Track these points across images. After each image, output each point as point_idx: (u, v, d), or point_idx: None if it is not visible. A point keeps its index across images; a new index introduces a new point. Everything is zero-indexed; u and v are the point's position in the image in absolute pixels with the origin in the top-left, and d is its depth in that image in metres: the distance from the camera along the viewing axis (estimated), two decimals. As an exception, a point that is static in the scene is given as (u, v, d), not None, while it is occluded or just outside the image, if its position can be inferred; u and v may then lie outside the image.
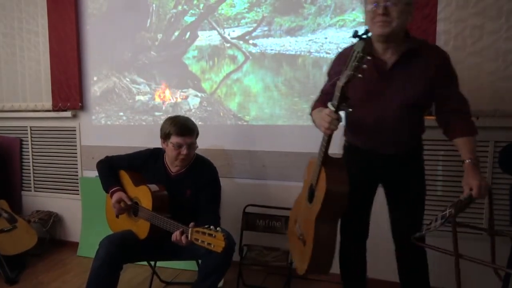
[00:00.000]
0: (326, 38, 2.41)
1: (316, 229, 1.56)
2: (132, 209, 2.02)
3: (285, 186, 2.52)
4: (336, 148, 1.91)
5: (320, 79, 2.43)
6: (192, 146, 1.98)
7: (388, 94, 1.55)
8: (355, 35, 1.36)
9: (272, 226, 2.47)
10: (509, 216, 1.78)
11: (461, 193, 1.46)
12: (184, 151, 1.95)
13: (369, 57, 1.33)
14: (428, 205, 1.80)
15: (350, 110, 1.42)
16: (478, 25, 2.06)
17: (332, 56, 2.38)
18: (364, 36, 1.34)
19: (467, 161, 1.47)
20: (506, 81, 2.04)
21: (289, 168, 2.51)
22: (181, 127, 1.96)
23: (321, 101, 1.68)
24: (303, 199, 1.75)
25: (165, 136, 1.99)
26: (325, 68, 2.42)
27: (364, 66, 1.33)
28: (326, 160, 1.54)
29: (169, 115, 2.12)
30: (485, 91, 2.07)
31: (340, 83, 1.37)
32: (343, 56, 1.59)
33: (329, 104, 1.44)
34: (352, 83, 1.37)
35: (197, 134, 2.03)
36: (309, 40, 2.45)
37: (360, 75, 1.34)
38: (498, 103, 2.05)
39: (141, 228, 1.96)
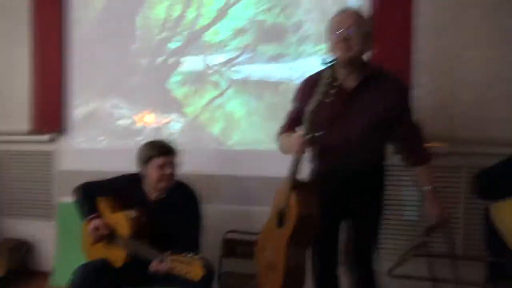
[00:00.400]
0: (307, 66, 2.47)
1: (287, 253, 1.57)
2: (109, 236, 1.96)
3: (267, 211, 2.48)
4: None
5: (302, 106, 2.47)
6: (174, 165, 1.97)
7: (351, 116, 1.61)
8: (323, 62, 1.52)
9: (253, 253, 2.42)
10: (484, 242, 1.80)
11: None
12: (168, 170, 1.93)
13: (335, 83, 1.44)
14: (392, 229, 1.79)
15: (320, 133, 1.50)
16: (454, 54, 2.15)
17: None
18: (330, 64, 1.50)
19: (427, 188, 1.61)
20: (479, 109, 2.11)
21: (272, 193, 2.47)
22: (161, 148, 1.95)
23: (288, 127, 1.75)
24: (271, 225, 1.73)
25: (144, 161, 1.96)
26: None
27: (332, 91, 1.45)
28: (295, 184, 1.58)
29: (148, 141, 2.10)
30: (460, 118, 2.14)
31: (310, 108, 1.49)
32: (310, 82, 1.68)
33: (299, 129, 1.53)
34: (319, 107, 1.49)
35: (177, 154, 2.03)
36: (291, 68, 2.50)
37: (327, 100, 1.46)
38: (472, 129, 2.12)
39: (118, 256, 1.90)
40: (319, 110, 1.49)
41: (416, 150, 1.68)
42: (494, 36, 2.10)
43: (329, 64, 1.51)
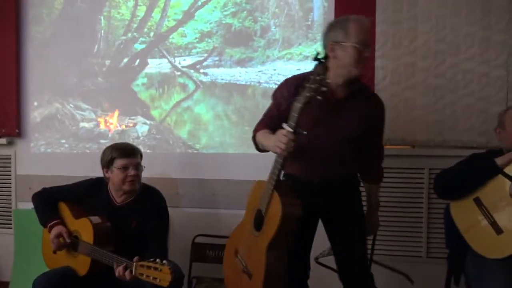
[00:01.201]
0: (274, 70, 2.50)
1: (267, 258, 1.51)
2: (71, 243, 1.89)
3: (236, 214, 2.46)
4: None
5: (270, 109, 2.50)
6: (138, 166, 1.93)
7: (333, 125, 1.61)
8: (316, 58, 1.44)
9: (223, 257, 2.41)
10: (445, 239, 1.89)
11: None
12: (131, 172, 1.89)
13: (328, 80, 1.40)
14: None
15: (305, 133, 1.45)
16: (411, 62, 2.25)
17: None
18: (323, 61, 1.43)
19: (375, 201, 1.81)
20: (436, 114, 2.22)
21: (240, 196, 2.49)
22: (124, 149, 1.92)
23: (265, 124, 1.67)
24: (245, 227, 1.67)
25: (107, 164, 1.92)
26: (274, 98, 2.50)
27: (324, 88, 1.38)
28: (278, 184, 1.51)
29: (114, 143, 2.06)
30: (419, 122, 2.24)
31: (299, 104, 1.41)
32: (295, 81, 1.62)
33: (285, 125, 1.45)
34: (307, 104, 1.42)
35: (141, 155, 1.99)
36: (259, 71, 2.53)
37: (319, 97, 1.39)
38: (431, 133, 2.23)
39: (81, 264, 1.84)
40: (305, 108, 1.43)
41: (377, 169, 1.79)
42: (446, 45, 2.21)
43: (322, 62, 1.43)
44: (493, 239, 1.58)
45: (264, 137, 1.61)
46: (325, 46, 1.59)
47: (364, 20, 1.56)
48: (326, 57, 1.48)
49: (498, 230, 1.57)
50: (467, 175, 1.69)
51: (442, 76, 2.22)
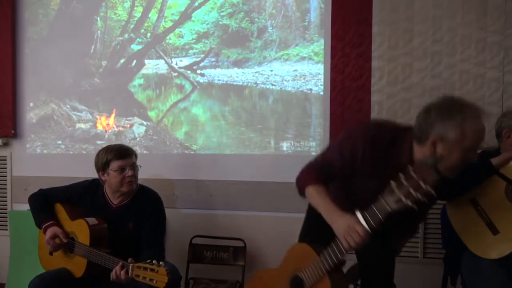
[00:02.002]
0: (271, 70, 2.50)
1: None
2: (67, 245, 1.88)
3: (233, 215, 2.51)
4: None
5: (266, 109, 2.50)
6: (135, 166, 1.92)
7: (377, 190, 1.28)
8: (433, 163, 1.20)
9: (220, 258, 2.42)
10: (441, 240, 1.90)
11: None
12: (129, 172, 1.88)
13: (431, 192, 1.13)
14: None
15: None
16: (407, 63, 2.25)
17: (277, 88, 2.48)
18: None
19: None
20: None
21: (237, 197, 2.51)
22: (118, 150, 1.90)
23: (320, 175, 1.43)
24: (278, 283, 1.52)
25: (103, 167, 1.90)
26: (271, 99, 2.51)
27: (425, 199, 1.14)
28: (332, 270, 1.36)
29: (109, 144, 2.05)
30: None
31: (389, 208, 1.18)
32: (373, 139, 1.36)
33: (362, 219, 1.24)
34: (368, 156, 1.30)
35: (136, 155, 1.98)
36: (256, 72, 2.53)
37: (413, 207, 1.14)
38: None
39: (77, 266, 1.84)
40: (366, 157, 1.27)
41: None
42: (442, 46, 2.22)
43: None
44: (490, 240, 1.59)
45: (324, 205, 1.37)
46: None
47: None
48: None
49: (494, 230, 1.58)
50: (464, 176, 1.69)
51: (438, 77, 2.23)
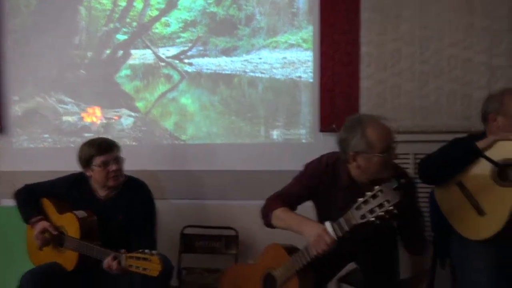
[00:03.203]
0: (260, 58, 2.48)
1: None
2: (57, 239, 1.86)
3: (224, 205, 2.50)
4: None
5: (256, 98, 2.49)
6: (118, 160, 1.89)
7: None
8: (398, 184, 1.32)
9: (212, 247, 2.42)
10: (430, 223, 1.92)
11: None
12: (113, 167, 1.85)
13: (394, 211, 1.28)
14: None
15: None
16: (396, 49, 2.25)
17: (266, 76, 2.47)
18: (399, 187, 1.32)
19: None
20: (421, 100, 2.24)
21: (228, 186, 2.50)
22: (100, 145, 1.87)
23: (283, 201, 1.61)
24: (250, 273, 1.69)
25: (86, 162, 1.87)
26: (260, 87, 2.49)
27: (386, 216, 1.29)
28: (302, 271, 1.52)
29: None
30: (405, 109, 2.26)
31: (356, 221, 1.34)
32: (324, 174, 1.60)
33: (330, 228, 1.40)
34: (331, 196, 1.54)
35: (119, 148, 1.94)
36: (244, 60, 2.50)
37: (375, 222, 1.30)
38: (417, 119, 2.24)
39: (68, 259, 1.82)
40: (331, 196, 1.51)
41: None
42: (430, 31, 2.22)
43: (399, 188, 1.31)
44: (477, 221, 1.61)
45: (294, 219, 1.54)
46: None
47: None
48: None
49: (481, 212, 1.60)
50: (449, 160, 1.71)
51: (427, 62, 2.23)
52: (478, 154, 1.64)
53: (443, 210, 1.72)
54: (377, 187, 1.30)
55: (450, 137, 1.89)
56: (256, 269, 1.69)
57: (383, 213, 1.27)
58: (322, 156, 1.66)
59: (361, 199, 1.33)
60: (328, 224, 1.41)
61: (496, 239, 1.56)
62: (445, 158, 1.72)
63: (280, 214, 1.58)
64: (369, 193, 1.31)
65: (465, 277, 1.55)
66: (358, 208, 1.33)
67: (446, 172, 1.70)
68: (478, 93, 2.16)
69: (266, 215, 1.62)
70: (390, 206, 1.26)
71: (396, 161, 2.26)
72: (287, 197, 1.63)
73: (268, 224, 1.63)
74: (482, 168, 1.64)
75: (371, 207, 1.30)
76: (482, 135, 1.75)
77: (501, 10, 2.14)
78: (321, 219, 1.60)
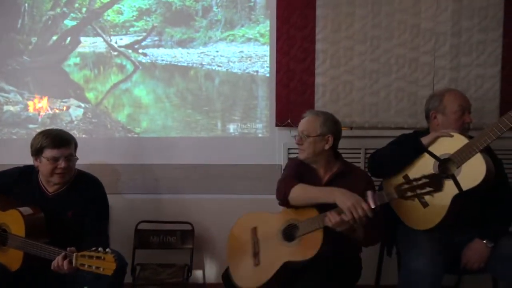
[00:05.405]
0: (217, 51, 2.46)
1: (279, 269, 1.61)
2: (0, 237, 1.75)
3: (179, 199, 2.48)
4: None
5: (213, 91, 2.47)
6: (71, 158, 1.80)
7: None
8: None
9: (167, 242, 2.39)
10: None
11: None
12: (62, 164, 1.76)
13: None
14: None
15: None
16: (349, 46, 2.33)
17: (223, 69, 2.45)
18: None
19: None
20: (372, 97, 2.34)
21: (183, 180, 2.48)
22: (55, 138, 1.77)
23: (295, 178, 1.71)
24: (273, 223, 1.71)
25: (37, 152, 1.77)
26: (217, 81, 2.48)
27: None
28: (328, 228, 1.57)
29: (45, 128, 1.91)
30: (356, 105, 2.35)
31: (387, 199, 1.54)
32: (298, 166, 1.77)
33: (371, 197, 1.51)
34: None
35: (76, 145, 1.86)
36: (201, 53, 2.47)
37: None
38: (367, 115, 2.35)
39: (13, 259, 1.72)
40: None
41: None
42: (381, 31, 2.32)
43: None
44: (420, 213, 1.72)
45: (319, 190, 1.64)
46: None
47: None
48: None
49: (424, 204, 1.72)
50: (397, 155, 1.81)
51: (377, 60, 2.33)
52: (423, 149, 1.75)
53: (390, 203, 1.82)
54: (427, 174, 1.50)
55: (398, 133, 2.01)
56: (277, 218, 1.72)
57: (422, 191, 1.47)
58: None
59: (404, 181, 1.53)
60: (370, 193, 1.52)
61: (439, 227, 1.68)
62: (393, 153, 1.83)
63: (298, 191, 1.65)
64: (416, 177, 1.50)
65: (409, 264, 1.65)
66: (400, 185, 1.51)
67: (394, 166, 1.81)
68: (423, 92, 2.29)
69: (283, 193, 1.67)
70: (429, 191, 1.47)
71: (349, 156, 2.38)
72: (296, 177, 1.71)
73: (284, 202, 1.68)
74: (425, 162, 1.75)
75: (402, 191, 1.50)
76: (426, 131, 1.87)
77: (444, 14, 2.29)
78: None
